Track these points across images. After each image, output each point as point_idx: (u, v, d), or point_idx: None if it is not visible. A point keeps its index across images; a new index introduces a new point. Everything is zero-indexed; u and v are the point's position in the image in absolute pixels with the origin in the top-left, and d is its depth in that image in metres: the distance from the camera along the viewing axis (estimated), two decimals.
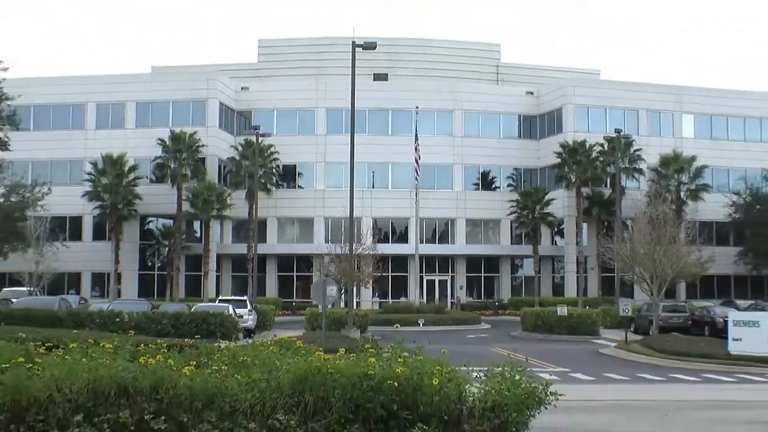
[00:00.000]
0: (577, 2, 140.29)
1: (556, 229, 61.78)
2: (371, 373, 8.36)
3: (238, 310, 36.75)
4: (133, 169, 55.79)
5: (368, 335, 32.65)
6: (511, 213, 59.13)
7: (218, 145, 58.57)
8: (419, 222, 56.54)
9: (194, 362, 8.97)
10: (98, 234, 58.53)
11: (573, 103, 60.43)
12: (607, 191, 57.15)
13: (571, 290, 57.83)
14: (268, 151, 56.98)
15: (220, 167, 59.03)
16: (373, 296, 58.54)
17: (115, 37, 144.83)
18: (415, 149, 53.94)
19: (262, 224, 58.38)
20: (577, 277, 57.12)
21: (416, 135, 54.85)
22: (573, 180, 57.07)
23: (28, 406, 7.69)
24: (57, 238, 54.05)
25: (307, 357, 9.03)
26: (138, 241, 58.48)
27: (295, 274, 60.53)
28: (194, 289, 55.91)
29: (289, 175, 62.00)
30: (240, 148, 57.81)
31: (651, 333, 36.13)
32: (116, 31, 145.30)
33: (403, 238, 60.44)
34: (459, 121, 62.21)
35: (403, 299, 58.44)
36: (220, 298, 46.14)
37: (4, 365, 8.21)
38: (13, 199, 52.14)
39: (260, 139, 51.47)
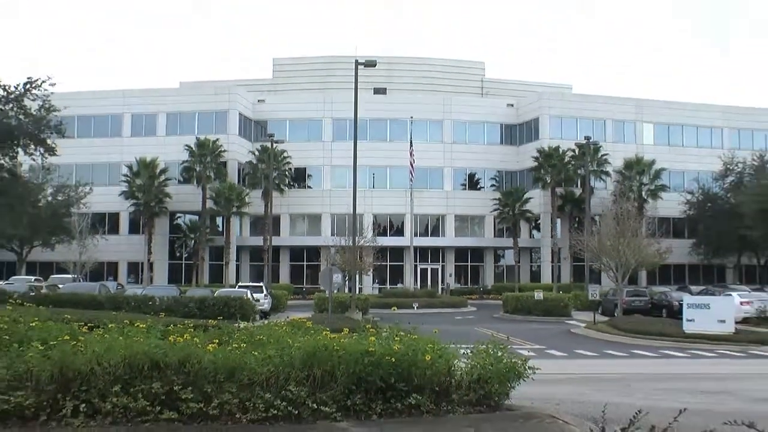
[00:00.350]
0: (553, 24, 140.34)
1: (533, 224, 61.78)
2: (372, 350, 8.36)
3: (255, 295, 36.73)
4: (163, 171, 55.80)
5: (369, 317, 32.64)
6: (494, 210, 59.21)
7: (238, 151, 58.52)
8: (414, 218, 56.63)
9: (217, 340, 8.97)
10: (133, 228, 58.57)
11: (548, 114, 60.42)
12: (578, 191, 57.20)
13: (546, 277, 57.88)
14: (282, 156, 56.98)
15: (239, 170, 59.01)
16: (373, 283, 58.55)
17: (114, 37, 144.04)
18: (410, 154, 53.98)
19: (276, 220, 58.41)
20: (552, 266, 57.19)
21: (411, 142, 54.91)
22: (548, 181, 57.13)
23: (73, 378, 7.70)
24: (97, 231, 54.12)
25: (316, 336, 9.02)
26: (168, 235, 58.53)
27: (305, 263, 60.55)
28: (217, 277, 55.94)
29: (299, 177, 61.95)
30: (257, 153, 57.76)
31: (616, 315, 36.09)
32: (117, 32, 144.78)
33: (399, 232, 60.43)
34: (449, 130, 62.16)
35: (399, 285, 58.51)
36: (240, 284, 46.13)
37: (52, 342, 8.22)
38: (59, 198, 52.40)
39: (274, 145, 51.46)
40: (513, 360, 8.95)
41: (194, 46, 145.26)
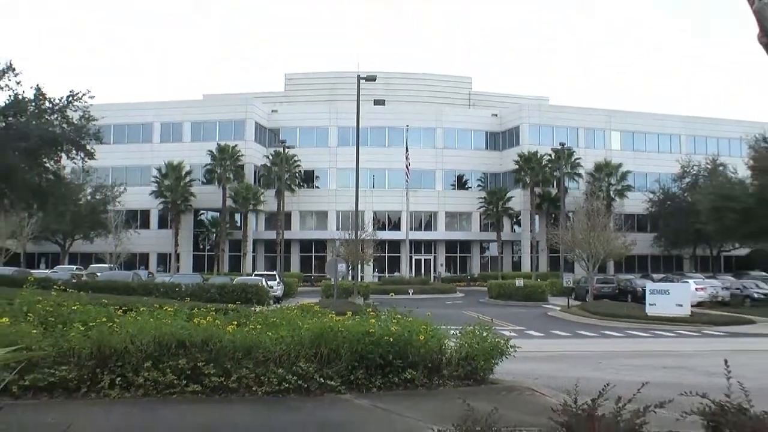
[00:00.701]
0: (533, 41, 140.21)
1: (514, 220, 61.80)
2: (372, 331, 8.38)
3: (269, 282, 36.65)
4: (188, 173, 55.79)
5: (369, 302, 32.64)
6: (480, 207, 59.21)
7: (254, 155, 58.49)
8: (409, 214, 56.67)
9: (236, 322, 8.99)
10: (162, 223, 58.56)
11: (528, 123, 60.40)
12: (554, 190, 57.13)
13: (526, 267, 57.91)
14: (293, 160, 56.98)
15: (255, 172, 58.99)
16: (373, 271, 58.53)
17: (114, 37, 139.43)
18: (406, 158, 54.02)
19: (288, 216, 58.40)
20: (531, 256, 57.23)
21: (407, 147, 54.96)
22: (528, 182, 57.12)
23: (110, 355, 7.74)
24: (130, 226, 54.09)
25: (323, 318, 9.04)
26: (192, 229, 58.55)
27: (313, 254, 60.55)
28: (235, 266, 55.94)
29: (308, 178, 61.91)
30: (271, 157, 57.75)
31: (587, 299, 36.13)
32: (117, 31, 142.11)
33: (396, 227, 60.39)
34: (440, 137, 62.13)
35: (396, 274, 58.47)
36: (255, 273, 46.16)
37: (91, 323, 8.25)
38: (97, 197, 52.46)
39: (286, 150, 51.46)
40: (497, 340, 8.97)
41: (195, 47, 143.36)
